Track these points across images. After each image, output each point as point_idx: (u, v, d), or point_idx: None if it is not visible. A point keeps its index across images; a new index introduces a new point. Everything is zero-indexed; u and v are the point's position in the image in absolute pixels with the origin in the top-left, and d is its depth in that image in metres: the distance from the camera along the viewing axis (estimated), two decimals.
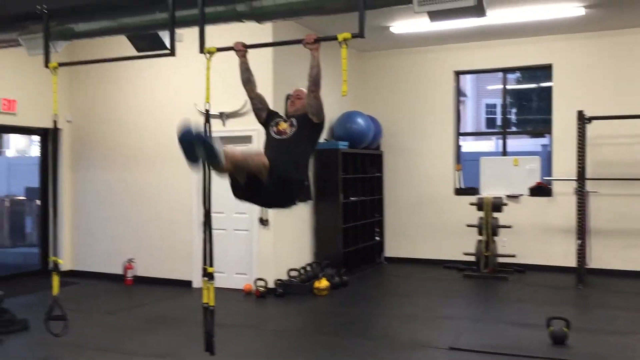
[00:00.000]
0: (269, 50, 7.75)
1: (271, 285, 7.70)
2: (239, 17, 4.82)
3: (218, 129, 8.05)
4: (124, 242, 8.72)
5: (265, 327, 6.26)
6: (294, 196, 4.15)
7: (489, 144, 19.74)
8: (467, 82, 27.03)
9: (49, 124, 8.86)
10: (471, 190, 9.83)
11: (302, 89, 4.53)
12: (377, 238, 10.11)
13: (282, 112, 4.72)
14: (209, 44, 6.58)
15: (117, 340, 5.80)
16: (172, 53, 4.73)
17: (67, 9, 5.05)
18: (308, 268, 8.30)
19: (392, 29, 8.66)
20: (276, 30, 7.78)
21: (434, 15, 4.37)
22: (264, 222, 7.83)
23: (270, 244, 7.83)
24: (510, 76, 18.19)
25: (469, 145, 18.68)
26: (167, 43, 5.39)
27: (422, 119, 10.07)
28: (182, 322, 6.43)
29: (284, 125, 4.34)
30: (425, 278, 8.89)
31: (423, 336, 5.84)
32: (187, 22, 4.91)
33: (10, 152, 14.36)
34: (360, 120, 9.20)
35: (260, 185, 3.83)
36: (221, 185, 7.65)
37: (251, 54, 7.53)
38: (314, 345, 5.63)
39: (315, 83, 4.19)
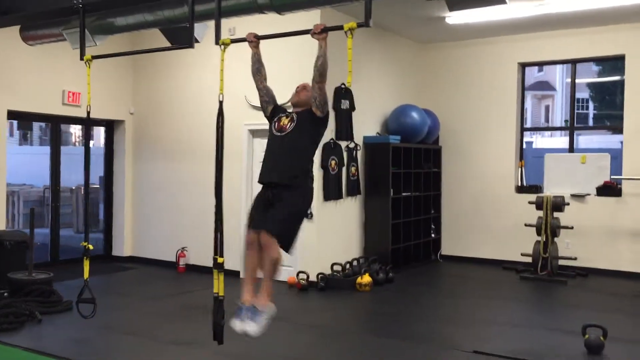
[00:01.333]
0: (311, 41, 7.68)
1: (314, 278, 7.68)
2: (260, 8, 4.84)
3: (264, 121, 8.11)
4: (179, 230, 9.00)
5: (298, 320, 6.24)
6: (302, 205, 4.15)
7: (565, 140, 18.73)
8: (556, 75, 25.78)
9: (112, 116, 9.33)
10: (534, 189, 9.36)
11: (309, 82, 4.44)
12: (433, 235, 9.85)
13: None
14: (258, 32, 6.69)
15: (150, 325, 5.99)
16: (191, 46, 4.73)
17: (102, 3, 5.22)
18: (354, 263, 8.22)
19: (447, 20, 8.37)
20: (324, 19, 7.72)
21: (452, 4, 4.17)
22: (308, 215, 7.80)
23: (314, 238, 7.80)
24: (594, 68, 17.18)
25: (546, 142, 17.84)
26: (201, 36, 5.44)
27: (483, 113, 9.69)
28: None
29: (284, 121, 4.32)
30: (479, 278, 8.58)
31: (453, 339, 5.64)
32: (210, 15, 4.93)
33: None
34: (414, 114, 8.99)
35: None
36: None
37: (292, 44, 7.57)
38: (340, 340, 5.58)
39: (320, 74, 4.11)
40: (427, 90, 10.08)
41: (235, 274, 8.37)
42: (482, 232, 9.67)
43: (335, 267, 7.89)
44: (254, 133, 8.32)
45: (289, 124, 4.26)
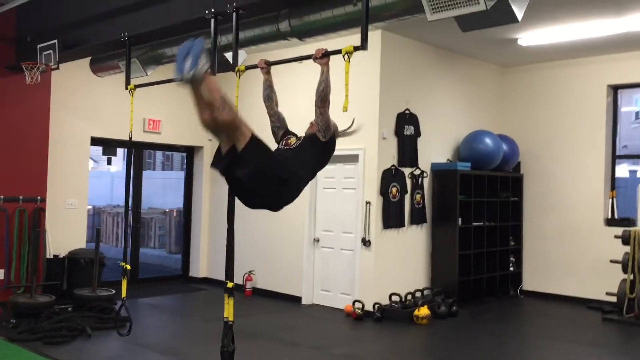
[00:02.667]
0: (376, 62, 7.63)
1: (370, 308, 7.48)
2: (283, 35, 4.85)
3: None
4: (247, 254, 9.15)
5: (331, 351, 6.07)
6: (274, 187, 3.73)
7: None
8: None
9: (192, 142, 9.76)
10: (626, 222, 8.55)
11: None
12: (512, 268, 9.27)
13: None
14: (336, 59, 6.85)
15: (185, 346, 6.09)
16: (233, 69, 4.77)
17: (147, 35, 5.51)
18: (417, 294, 7.92)
19: (520, 42, 7.95)
20: (384, 41, 7.65)
21: (463, 24, 3.95)
22: (365, 242, 7.66)
23: (371, 266, 7.63)
24: None
25: None
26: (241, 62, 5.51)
27: (568, 139, 9.04)
28: (259, 337, 6.53)
29: (292, 139, 4.26)
30: (557, 318, 7.93)
31: None
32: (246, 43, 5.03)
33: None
34: (487, 141, 8.58)
35: (237, 159, 3.45)
36: (331, 205, 7.75)
37: (359, 63, 7.51)
38: None
39: (322, 99, 4.02)
40: (506, 116, 9.61)
41: (297, 299, 8.38)
42: (567, 266, 8.96)
43: (394, 298, 7.64)
44: None
45: (295, 141, 4.21)
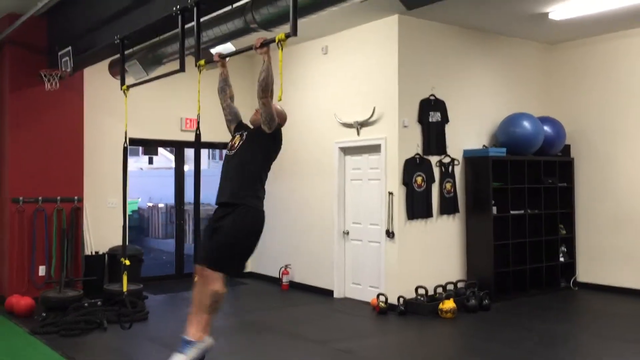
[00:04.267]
0: (393, 48, 7.38)
1: (394, 301, 7.27)
2: (250, 30, 4.81)
3: (353, 138, 7.98)
4: (283, 248, 9.19)
5: (333, 345, 5.91)
6: (241, 225, 4.04)
7: None
8: None
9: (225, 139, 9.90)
10: None
11: (275, 105, 4.30)
12: (562, 259, 8.67)
13: None
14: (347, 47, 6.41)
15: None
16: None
17: (139, 36, 5.66)
18: (450, 287, 7.60)
19: (551, 16, 7.41)
20: (402, 26, 7.38)
21: (409, 3, 3.72)
22: (389, 234, 7.45)
23: (395, 258, 7.41)
24: None
25: None
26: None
27: (623, 119, 8.33)
28: (272, 330, 6.52)
29: (235, 140, 4.28)
30: (610, 312, 7.32)
31: None
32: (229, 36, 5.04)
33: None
34: (525, 124, 8.07)
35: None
36: (359, 196, 7.60)
37: (377, 51, 7.33)
38: None
39: (263, 89, 3.95)
40: (551, 96, 9.00)
41: (330, 293, 8.31)
42: (624, 256, 8.27)
43: (421, 291, 7.37)
44: (345, 150, 8.20)
45: (238, 142, 4.21)
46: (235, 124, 4.39)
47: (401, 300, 7.20)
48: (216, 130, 9.53)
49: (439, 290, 7.50)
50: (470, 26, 7.91)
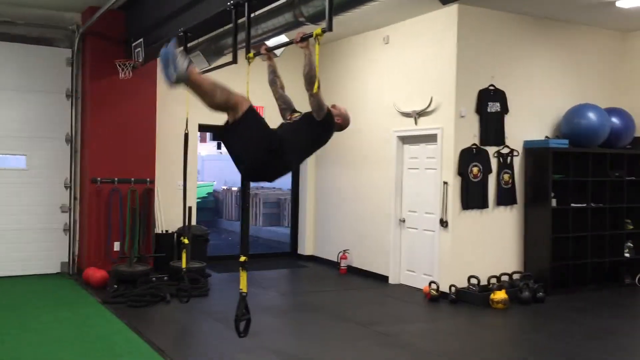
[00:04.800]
0: (452, 38, 7.40)
1: (446, 289, 7.36)
2: (299, 24, 5.02)
3: (411, 127, 8.08)
4: (343, 234, 9.42)
5: (376, 328, 6.11)
6: (263, 157, 3.98)
7: None
8: None
9: None
10: None
11: (338, 106, 4.46)
12: (628, 254, 8.42)
13: None
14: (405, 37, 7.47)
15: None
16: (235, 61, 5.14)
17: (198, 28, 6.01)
18: (504, 278, 7.59)
19: (618, 4, 7.18)
20: (461, 16, 7.37)
21: None
22: (443, 223, 7.52)
23: (448, 247, 7.48)
24: None
25: None
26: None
27: None
28: (322, 311, 6.77)
29: (295, 115, 4.43)
30: None
31: None
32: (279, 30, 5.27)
33: None
34: (591, 115, 7.88)
35: (235, 126, 3.81)
36: (416, 185, 7.73)
37: (436, 41, 7.38)
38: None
39: (309, 82, 4.13)
40: (618, 87, 8.68)
41: (384, 278, 8.49)
42: None
43: (473, 280, 7.41)
44: (404, 139, 8.31)
45: (296, 117, 4.40)
46: (290, 111, 4.60)
47: (453, 288, 7.28)
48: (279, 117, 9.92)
49: (493, 280, 7.51)
50: (533, 14, 7.78)
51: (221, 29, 6.10)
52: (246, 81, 4.87)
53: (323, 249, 9.99)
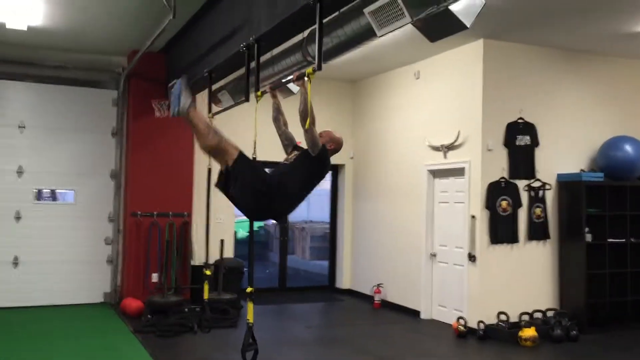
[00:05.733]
0: (478, 73, 7.43)
1: (474, 325, 7.24)
2: (308, 62, 5.22)
3: (440, 161, 8.10)
4: (377, 267, 9.43)
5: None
6: (258, 200, 4.18)
7: None
8: None
9: (335, 161, 10.33)
10: None
11: (327, 131, 4.62)
12: None
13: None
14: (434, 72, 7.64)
15: (266, 348, 6.63)
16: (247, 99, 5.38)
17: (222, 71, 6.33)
18: (537, 315, 7.40)
19: None
20: (487, 50, 7.40)
21: (432, 37, 3.94)
22: (471, 257, 7.44)
23: (476, 282, 7.38)
24: None
25: None
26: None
27: None
28: (342, 345, 6.80)
29: (292, 154, 4.59)
30: None
31: None
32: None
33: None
34: (627, 147, 7.69)
35: (228, 176, 4.08)
36: (446, 219, 7.70)
37: (463, 75, 7.41)
38: None
39: (302, 118, 4.29)
40: None
41: (416, 313, 8.43)
42: None
43: (502, 316, 7.26)
44: (435, 173, 8.31)
45: (293, 155, 4.56)
46: (291, 147, 4.76)
47: (481, 324, 7.15)
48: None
49: (525, 317, 7.33)
50: (559, 46, 7.70)
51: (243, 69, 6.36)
52: (254, 117, 5.07)
53: (359, 283, 10.00)
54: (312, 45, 4.99)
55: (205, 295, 6.44)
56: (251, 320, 4.95)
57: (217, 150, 4.09)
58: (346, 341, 7.01)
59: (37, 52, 8.36)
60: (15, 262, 8.50)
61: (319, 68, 4.04)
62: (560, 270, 7.72)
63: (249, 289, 5.00)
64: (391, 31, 3.85)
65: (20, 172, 8.57)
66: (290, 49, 5.42)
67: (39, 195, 8.79)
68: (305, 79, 4.17)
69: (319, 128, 4.60)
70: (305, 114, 4.29)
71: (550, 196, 7.76)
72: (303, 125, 4.32)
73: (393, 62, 8.88)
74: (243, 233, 16.95)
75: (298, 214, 15.84)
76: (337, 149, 4.68)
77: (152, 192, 8.59)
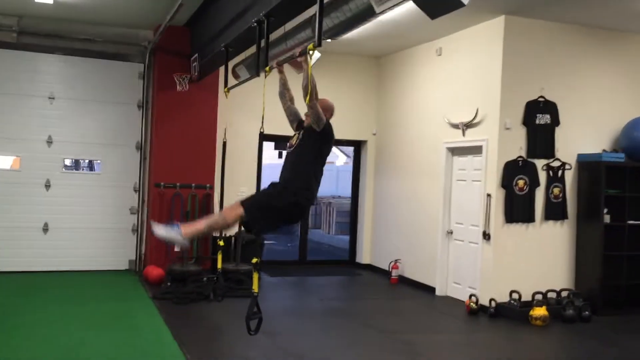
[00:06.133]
0: (497, 50, 7.34)
1: (486, 303, 7.27)
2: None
3: (459, 139, 8.07)
4: (394, 243, 9.49)
5: (399, 336, 6.17)
6: (277, 199, 4.42)
7: None
8: None
9: (359, 137, 10.43)
10: None
11: (323, 99, 4.68)
12: None
13: None
14: (462, 47, 8.02)
15: (275, 319, 6.78)
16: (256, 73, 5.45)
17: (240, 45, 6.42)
18: (550, 295, 7.38)
19: None
20: (508, 26, 7.30)
21: (432, 13, 3.94)
22: (485, 235, 7.44)
23: (490, 260, 7.39)
24: None
25: None
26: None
27: None
28: (354, 319, 6.90)
29: (294, 139, 4.67)
30: None
31: None
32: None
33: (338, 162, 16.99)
34: None
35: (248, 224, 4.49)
36: (462, 197, 7.67)
37: (482, 52, 7.32)
38: None
39: (305, 93, 4.37)
40: None
41: (432, 289, 8.49)
42: None
43: (514, 295, 7.26)
44: (453, 151, 8.29)
45: (296, 141, 4.64)
46: (296, 123, 4.84)
47: (492, 302, 7.17)
48: (344, 130, 10.17)
49: (538, 296, 7.32)
50: (583, 23, 7.53)
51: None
52: (263, 93, 5.16)
53: (378, 258, 10.10)
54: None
55: (219, 265, 6.64)
56: (256, 290, 5.07)
57: (229, 223, 4.42)
58: (354, 314, 7.13)
59: (66, 25, 8.57)
60: (45, 229, 8.86)
61: (319, 44, 4.10)
62: (577, 251, 7.66)
63: (254, 260, 5.14)
64: (390, 7, 3.86)
65: (49, 141, 8.88)
66: (301, 25, 5.47)
67: (68, 165, 9.10)
68: (307, 55, 4.23)
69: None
70: (305, 88, 4.37)
71: (569, 176, 7.67)
72: (309, 99, 4.40)
73: (416, 39, 8.82)
74: None
75: (326, 189, 15.97)
76: (332, 115, 4.77)
77: (176, 164, 8.80)
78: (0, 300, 6.92)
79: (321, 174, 4.79)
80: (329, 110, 4.69)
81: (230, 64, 7.57)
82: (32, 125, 8.82)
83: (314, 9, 5.28)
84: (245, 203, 4.39)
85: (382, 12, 3.99)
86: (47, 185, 8.86)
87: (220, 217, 4.48)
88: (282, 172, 4.66)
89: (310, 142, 4.54)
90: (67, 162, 9.12)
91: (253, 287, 5.10)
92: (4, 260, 8.57)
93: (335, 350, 5.61)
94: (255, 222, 4.44)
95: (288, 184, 4.50)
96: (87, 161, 9.24)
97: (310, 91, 4.34)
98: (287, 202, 4.45)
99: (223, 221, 4.43)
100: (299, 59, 4.45)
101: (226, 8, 6.68)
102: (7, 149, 8.78)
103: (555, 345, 6.32)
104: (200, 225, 4.41)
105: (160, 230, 4.28)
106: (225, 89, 6.38)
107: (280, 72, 4.96)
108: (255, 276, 5.13)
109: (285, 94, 4.96)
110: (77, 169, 9.30)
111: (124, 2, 7.66)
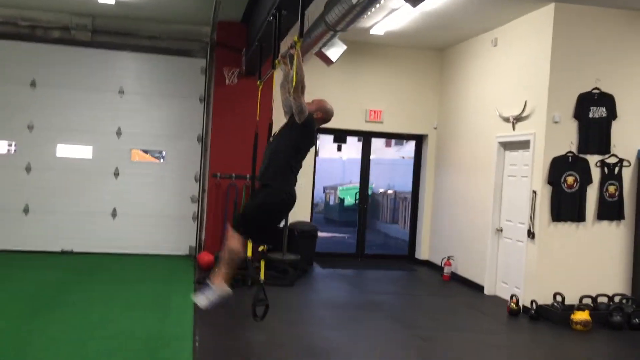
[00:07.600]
0: (546, 40, 7.00)
1: (528, 304, 6.97)
2: (334, 31, 5.31)
3: (509, 133, 7.79)
4: (448, 240, 9.29)
5: (419, 332, 6.07)
6: (264, 201, 4.56)
7: None
8: None
9: (420, 131, 10.30)
10: None
11: (318, 100, 4.78)
12: None
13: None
14: (516, 38, 7.82)
15: (312, 311, 6.90)
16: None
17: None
18: (601, 299, 6.96)
19: None
20: (558, 14, 6.93)
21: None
22: (530, 234, 7.13)
23: (534, 260, 7.07)
24: None
25: None
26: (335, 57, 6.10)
27: None
28: (383, 312, 6.87)
29: (279, 129, 4.77)
30: None
31: None
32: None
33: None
34: None
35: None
36: (512, 193, 7.49)
37: (532, 42, 7.06)
38: None
39: (290, 84, 4.45)
40: None
41: (481, 288, 8.26)
42: None
43: (558, 297, 6.91)
44: (505, 145, 7.99)
45: (279, 131, 4.75)
46: (289, 116, 4.93)
47: (533, 304, 6.87)
48: (400, 121, 10.09)
49: (586, 300, 6.91)
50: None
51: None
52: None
53: (434, 254, 9.92)
54: (329, 14, 5.06)
55: (249, 253, 6.82)
56: (263, 278, 5.23)
57: (239, 247, 4.67)
58: (388, 309, 7.08)
59: (132, 24, 9.14)
60: (114, 214, 9.51)
61: (301, 36, 4.16)
62: (635, 254, 7.14)
63: (261, 248, 5.30)
64: None
65: (119, 133, 9.50)
66: (317, 22, 5.53)
67: (134, 155, 9.71)
68: (294, 48, 4.31)
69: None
70: (295, 81, 4.43)
71: (627, 173, 7.17)
72: (295, 92, 4.47)
73: (475, 29, 8.57)
74: (349, 200, 17.33)
75: (404, 184, 15.84)
76: (325, 119, 4.83)
77: (232, 156, 9.13)
78: (60, 278, 7.53)
79: (299, 166, 4.85)
80: (323, 111, 4.76)
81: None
82: (104, 118, 9.48)
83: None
84: (234, 225, 4.61)
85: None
86: (116, 174, 9.50)
87: (228, 250, 4.64)
88: (262, 164, 4.78)
89: (291, 133, 4.62)
90: (136, 152, 9.72)
91: (260, 276, 5.28)
92: (76, 241, 9.31)
93: (347, 341, 5.63)
94: (253, 235, 4.65)
95: (266, 179, 4.61)
96: (152, 151, 9.80)
97: (295, 83, 4.40)
98: (276, 196, 4.56)
99: (231, 252, 4.63)
100: (291, 51, 4.52)
101: (265, 3, 6.84)
102: (82, 140, 9.49)
103: (586, 352, 5.93)
104: (222, 269, 4.69)
105: (203, 300, 4.60)
106: (259, 82, 6.55)
107: (285, 64, 5.06)
108: (262, 264, 5.30)
109: (285, 86, 5.05)
110: (142, 159, 9.89)
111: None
